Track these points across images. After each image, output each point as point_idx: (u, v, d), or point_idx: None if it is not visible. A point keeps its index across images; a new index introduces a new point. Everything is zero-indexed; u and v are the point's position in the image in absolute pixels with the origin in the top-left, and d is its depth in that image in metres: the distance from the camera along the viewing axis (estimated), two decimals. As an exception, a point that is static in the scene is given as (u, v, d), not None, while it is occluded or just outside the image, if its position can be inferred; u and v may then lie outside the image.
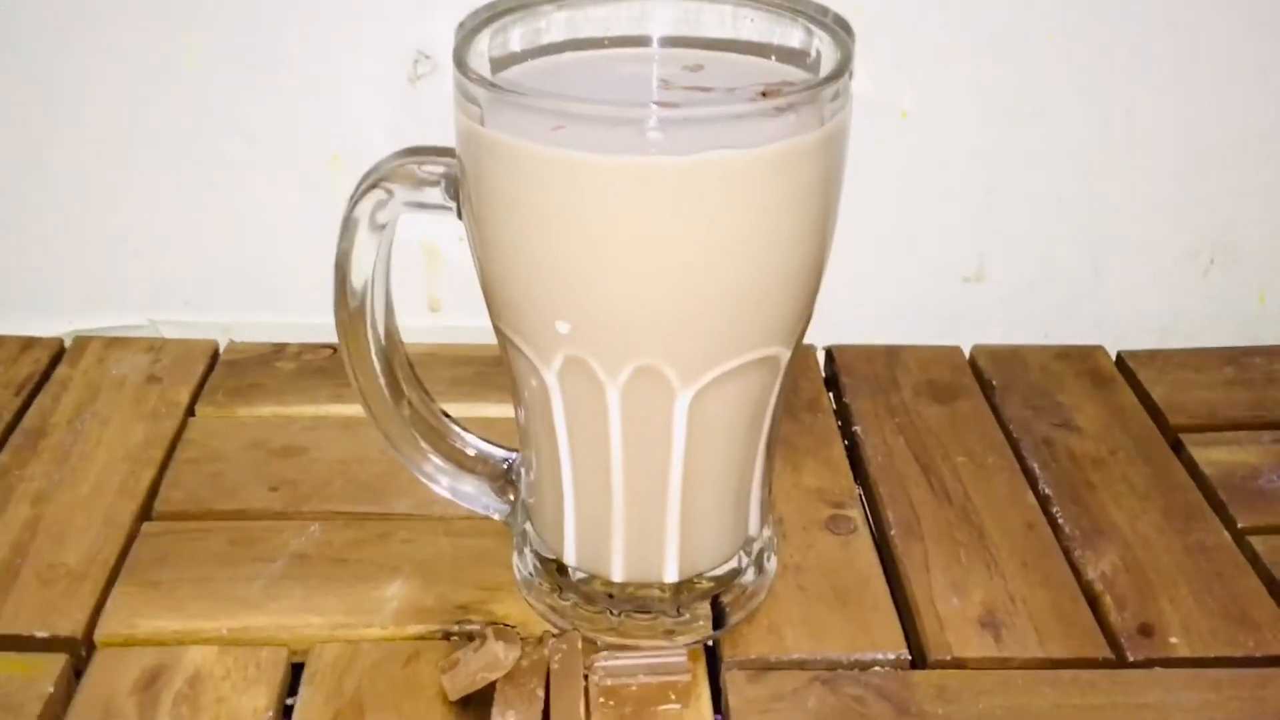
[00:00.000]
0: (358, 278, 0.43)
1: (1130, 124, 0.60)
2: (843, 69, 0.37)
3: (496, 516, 0.47)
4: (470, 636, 0.44)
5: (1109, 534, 0.50)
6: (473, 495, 0.47)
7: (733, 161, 0.34)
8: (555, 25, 0.42)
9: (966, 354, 0.62)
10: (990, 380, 0.60)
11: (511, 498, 0.47)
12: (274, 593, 0.47)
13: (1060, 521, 0.51)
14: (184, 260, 0.62)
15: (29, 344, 0.61)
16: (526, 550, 0.46)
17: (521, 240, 0.37)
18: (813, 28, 0.40)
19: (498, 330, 0.41)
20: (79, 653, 0.44)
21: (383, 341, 0.45)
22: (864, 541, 0.50)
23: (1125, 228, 0.63)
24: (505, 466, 0.47)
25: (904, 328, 0.63)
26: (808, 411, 0.57)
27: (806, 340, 0.63)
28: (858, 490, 0.53)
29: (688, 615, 0.44)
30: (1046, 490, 0.53)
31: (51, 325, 0.62)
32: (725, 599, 0.45)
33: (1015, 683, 0.44)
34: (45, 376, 0.58)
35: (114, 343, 0.61)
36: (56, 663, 0.43)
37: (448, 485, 0.47)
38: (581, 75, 0.41)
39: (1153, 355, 0.62)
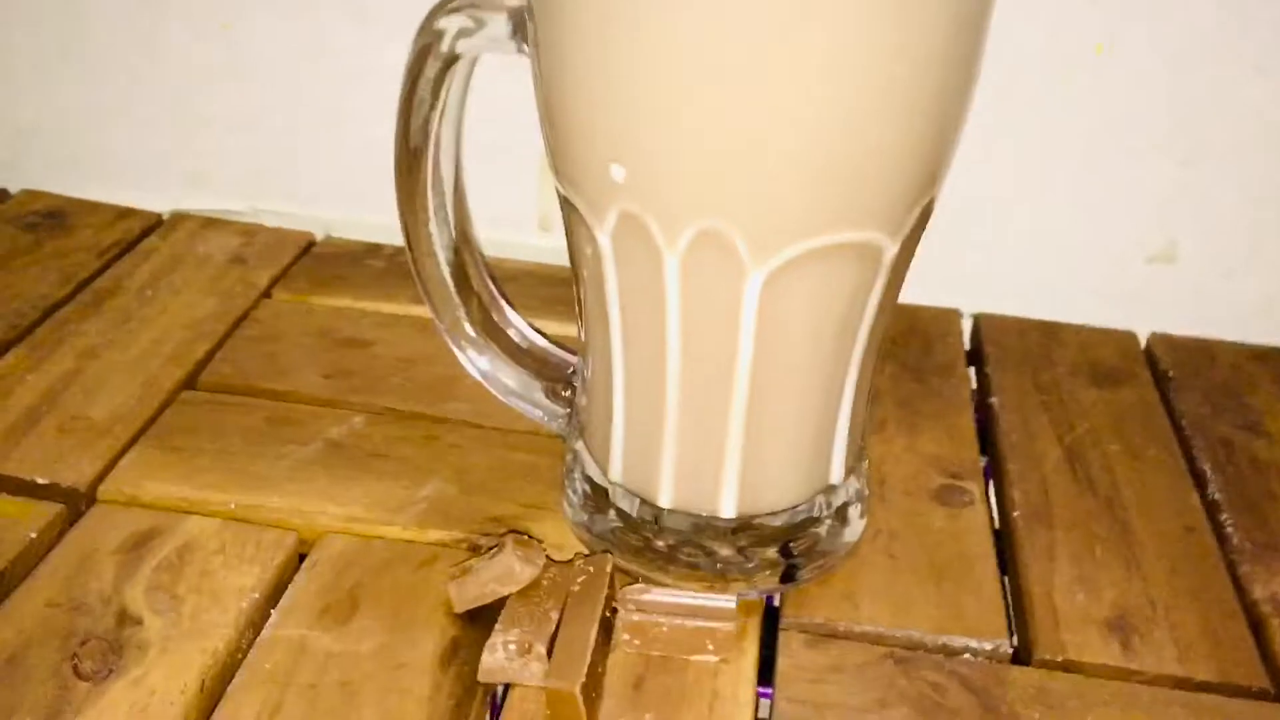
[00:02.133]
0: (421, 115, 0.38)
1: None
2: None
3: (545, 421, 0.41)
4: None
5: (1288, 553, 0.41)
6: (516, 391, 0.41)
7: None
8: None
9: (1142, 342, 0.53)
10: (1166, 372, 0.51)
11: (568, 410, 0.41)
12: (296, 476, 0.42)
13: (1228, 531, 0.42)
14: (288, 150, 0.59)
15: (126, 214, 0.58)
16: (577, 471, 0.40)
17: (578, 59, 0.31)
18: None
19: (560, 197, 0.35)
20: (78, 506, 0.40)
21: (447, 199, 0.40)
22: (978, 518, 0.42)
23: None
24: (567, 371, 0.41)
25: (1068, 305, 0.55)
26: (939, 375, 0.50)
27: (950, 303, 0.57)
28: (982, 463, 0.45)
29: (750, 561, 0.38)
30: (1216, 495, 0.44)
31: (155, 201, 0.60)
32: (796, 549, 0.38)
33: (1139, 698, 0.35)
34: (133, 245, 0.56)
35: (210, 223, 0.58)
36: (51, 511, 0.39)
37: (487, 370, 0.41)
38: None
39: (1373, 368, 0.52)
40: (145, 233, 0.57)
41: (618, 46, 0.30)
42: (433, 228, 0.40)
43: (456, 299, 0.40)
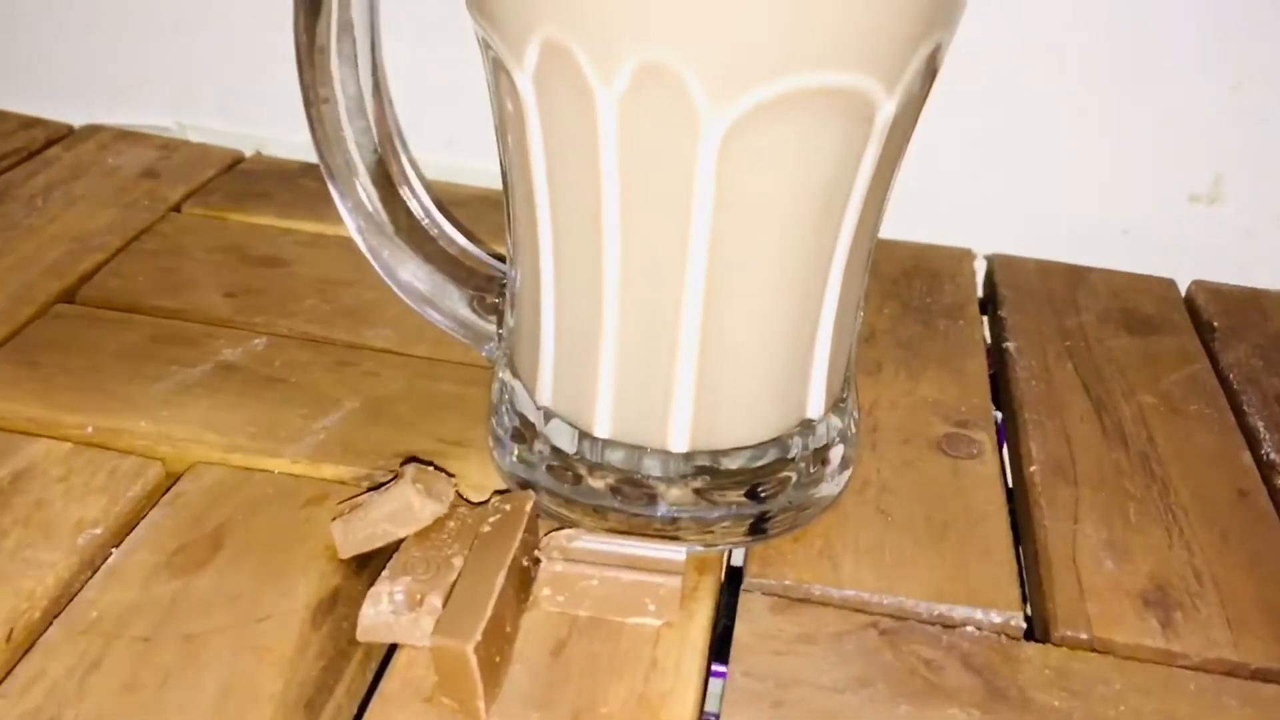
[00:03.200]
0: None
1: None
2: None
3: (466, 339, 0.34)
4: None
5: (1361, 522, 0.34)
6: (430, 298, 0.34)
7: None
8: None
9: (1182, 290, 0.46)
10: (1210, 321, 0.44)
11: (498, 330, 0.34)
12: (174, 399, 0.35)
13: (1288, 495, 0.35)
14: (220, 59, 0.52)
15: (32, 123, 0.52)
16: (504, 403, 0.33)
17: None
18: None
19: (478, 41, 0.29)
20: (-94, 424, 0.33)
21: (359, 79, 0.33)
22: (988, 470, 0.35)
23: None
24: (499, 284, 0.35)
25: (1096, 249, 0.48)
26: (946, 316, 0.43)
27: (961, 242, 0.50)
28: (995, 414, 0.38)
29: (708, 507, 0.31)
30: (1272, 455, 0.37)
31: (71, 113, 0.53)
32: (765, 495, 0.31)
33: (1183, 686, 0.28)
34: (35, 155, 0.49)
35: (126, 135, 0.51)
36: (-128, 428, 0.33)
37: (409, 278, 0.34)
38: None
39: None
40: (51, 143, 0.50)
41: None
42: (337, 89, 0.33)
43: (360, 165, 0.34)
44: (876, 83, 0.26)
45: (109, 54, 0.53)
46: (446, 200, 0.49)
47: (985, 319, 0.45)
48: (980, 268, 0.47)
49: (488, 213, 0.47)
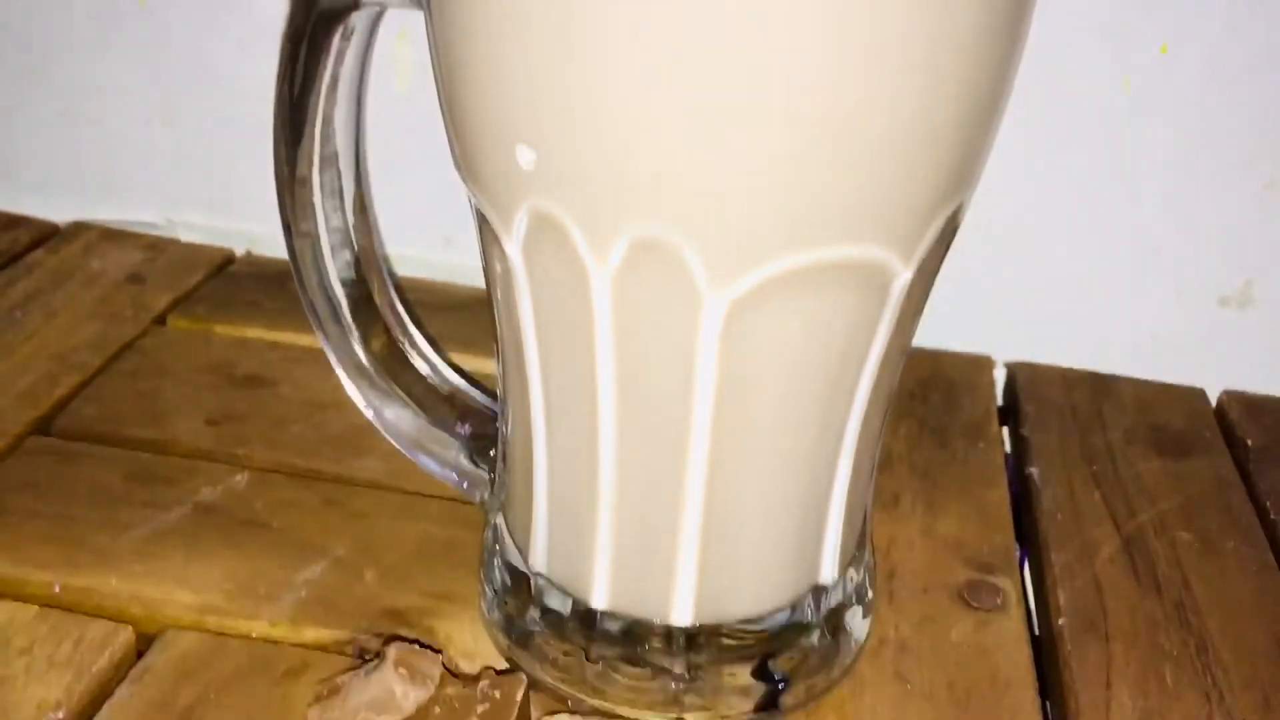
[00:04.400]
0: (305, 98, 0.29)
1: None
2: None
3: (460, 486, 0.32)
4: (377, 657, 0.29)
5: None
6: (427, 448, 0.32)
7: None
8: None
9: (1213, 400, 0.44)
10: (1243, 438, 0.41)
11: (490, 475, 0.32)
12: (147, 551, 0.33)
13: (1335, 649, 0.33)
14: (211, 155, 0.50)
15: (16, 222, 0.50)
16: (496, 555, 0.31)
17: (479, 12, 0.22)
18: None
19: (469, 200, 0.27)
20: None
21: (345, 211, 0.31)
22: (1014, 625, 0.33)
23: None
24: (494, 423, 0.33)
25: (1122, 355, 0.45)
26: (965, 437, 0.40)
27: (979, 349, 0.48)
28: (1017, 552, 0.36)
29: (714, 682, 0.28)
30: (1316, 600, 0.35)
31: (57, 209, 0.51)
32: (777, 669, 0.29)
33: None
34: (18, 259, 0.47)
35: (112, 235, 0.50)
36: None
37: (398, 426, 0.32)
38: None
39: None
40: (35, 245, 0.49)
41: (523, -18, 0.21)
42: (319, 224, 0.31)
43: (349, 319, 0.32)
44: (892, 254, 0.24)
45: (98, 149, 0.51)
46: (443, 303, 0.47)
47: (1005, 430, 0.43)
48: (1000, 376, 0.45)
49: (487, 316, 0.45)
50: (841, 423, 0.26)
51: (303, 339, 0.43)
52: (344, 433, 0.38)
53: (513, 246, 0.24)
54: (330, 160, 0.31)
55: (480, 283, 0.48)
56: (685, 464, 0.26)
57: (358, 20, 0.28)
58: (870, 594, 0.31)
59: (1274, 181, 0.43)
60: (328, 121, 0.30)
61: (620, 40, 0.21)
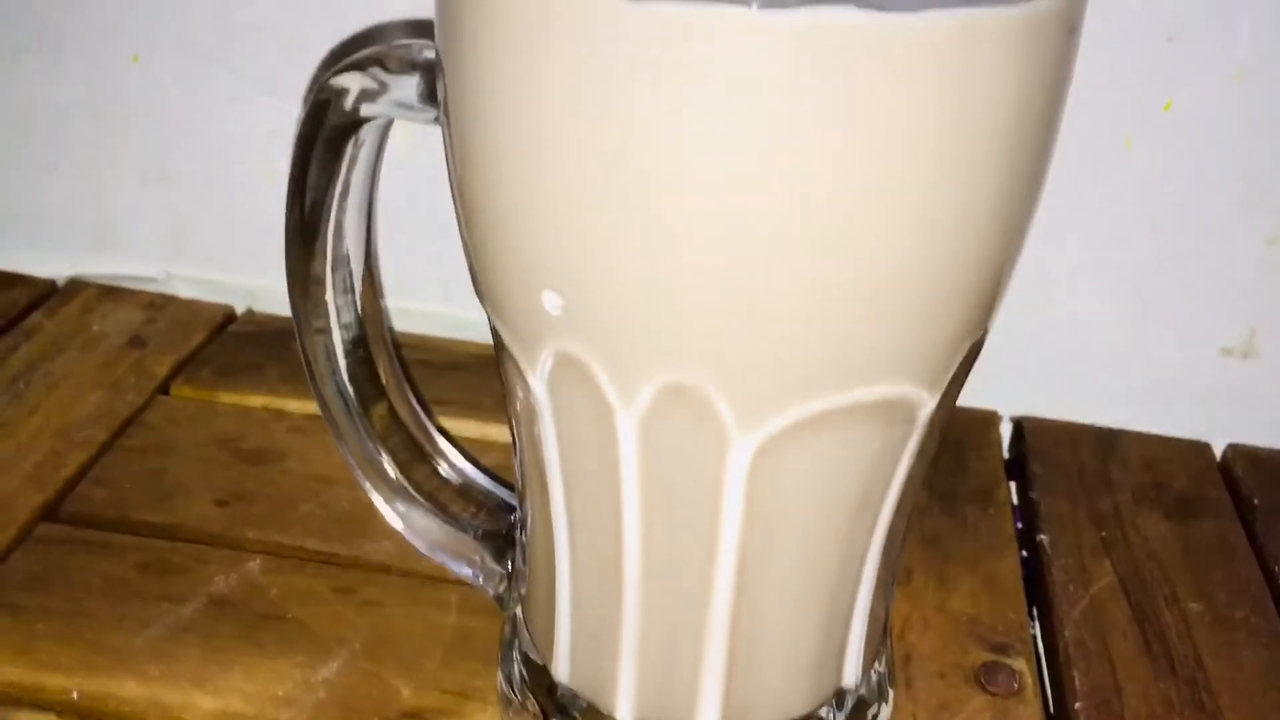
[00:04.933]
0: (318, 206, 0.29)
1: None
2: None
3: (481, 583, 0.32)
4: (401, 766, 0.29)
5: None
6: (447, 547, 0.32)
7: (867, 31, 0.19)
8: None
9: (1218, 454, 0.44)
10: (1250, 497, 0.42)
11: (509, 565, 0.32)
12: (163, 650, 0.33)
13: (1346, 728, 0.33)
14: (208, 208, 0.50)
15: (11, 281, 0.49)
16: (515, 649, 0.31)
17: (499, 140, 0.22)
18: None
19: (489, 321, 0.27)
20: (-124, 691, 0.31)
21: (357, 307, 0.31)
22: (1030, 712, 0.33)
23: None
24: (510, 517, 0.33)
25: (1129, 407, 0.46)
26: (975, 503, 0.41)
27: (987, 403, 0.48)
28: (1032, 629, 0.36)
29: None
30: (1326, 674, 0.35)
31: (53, 264, 0.51)
32: (797, 772, 0.29)
33: None
34: (16, 322, 0.47)
35: (110, 293, 0.49)
36: None
37: (419, 529, 0.32)
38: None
39: None
40: (33, 305, 0.48)
41: (553, 126, 0.21)
42: (335, 336, 0.31)
43: (364, 431, 0.32)
44: (919, 389, 0.24)
45: (94, 204, 0.51)
46: (445, 362, 0.47)
47: (1013, 485, 0.43)
48: (1006, 430, 0.45)
49: (489, 377, 0.45)
50: (865, 542, 0.26)
51: (307, 406, 0.43)
52: (353, 510, 0.38)
53: (536, 381, 0.24)
54: (342, 261, 0.31)
55: (481, 338, 0.48)
56: (711, 588, 0.26)
57: (368, 131, 0.28)
58: (891, 689, 0.31)
59: (1277, 237, 0.44)
60: (339, 226, 0.30)
61: (656, 195, 0.21)
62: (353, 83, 0.27)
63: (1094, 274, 0.45)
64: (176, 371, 0.45)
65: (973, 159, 0.21)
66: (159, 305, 0.49)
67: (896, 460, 0.25)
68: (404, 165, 0.44)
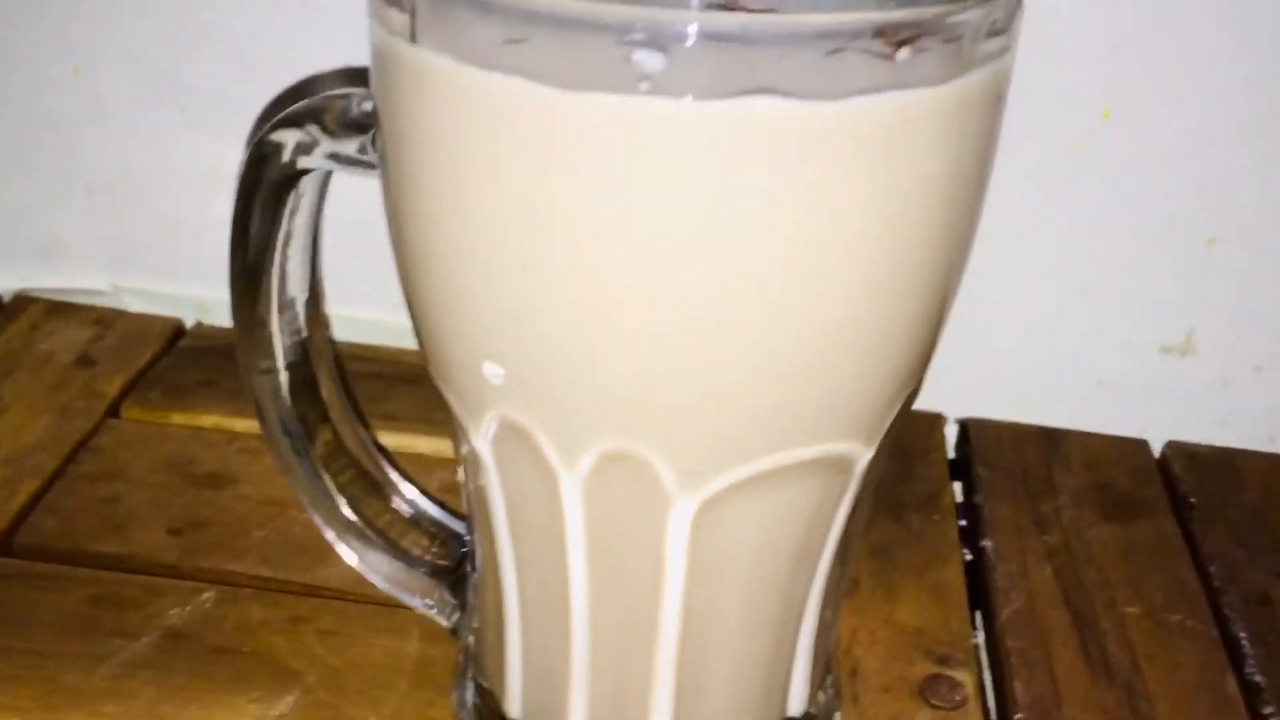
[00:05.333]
0: (261, 254, 0.29)
1: None
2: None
3: (436, 617, 0.33)
4: (358, 804, 0.30)
5: (1351, 762, 0.33)
6: (402, 582, 0.32)
7: (794, 120, 0.19)
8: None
9: (1156, 452, 0.45)
10: (1187, 496, 0.43)
11: (461, 597, 0.33)
12: (118, 688, 0.33)
13: (1276, 731, 0.34)
14: (155, 217, 0.49)
15: (-43, 299, 0.49)
16: (469, 678, 0.32)
17: (440, 218, 0.22)
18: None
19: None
20: None
21: (304, 348, 0.31)
22: (974, 724, 0.34)
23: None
24: (462, 547, 0.33)
25: (1070, 405, 0.47)
26: (920, 511, 0.41)
27: (933, 407, 0.49)
28: (975, 638, 0.37)
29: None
30: (1256, 677, 0.36)
31: (1, 279, 0.50)
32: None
33: None
34: (-39, 342, 0.47)
35: (58, 309, 0.49)
36: None
37: (373, 565, 0.32)
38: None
39: None
40: (-21, 323, 0.48)
41: (485, 208, 0.21)
42: (282, 377, 0.31)
43: (314, 470, 0.32)
44: (857, 443, 0.24)
45: (39, 216, 0.50)
46: (395, 374, 0.47)
47: (958, 485, 0.44)
48: (951, 432, 0.46)
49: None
50: (807, 587, 0.27)
51: (257, 426, 0.43)
52: (306, 535, 0.38)
53: (481, 443, 0.25)
54: (288, 305, 0.31)
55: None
56: (657, 632, 0.26)
57: (308, 182, 0.28)
58: (838, 709, 0.32)
59: (1216, 239, 0.44)
60: (284, 272, 0.30)
61: (590, 276, 0.21)
62: (288, 138, 0.27)
63: (1039, 276, 0.46)
64: (126, 391, 0.45)
65: (905, 230, 0.21)
66: (107, 321, 0.48)
67: (835, 509, 0.26)
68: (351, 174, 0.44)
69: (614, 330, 0.21)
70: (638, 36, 0.19)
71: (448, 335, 0.24)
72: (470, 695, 0.32)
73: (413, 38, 0.21)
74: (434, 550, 0.33)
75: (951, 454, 0.45)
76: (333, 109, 0.27)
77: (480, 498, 0.27)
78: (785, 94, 0.19)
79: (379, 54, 0.23)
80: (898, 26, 0.19)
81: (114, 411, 0.44)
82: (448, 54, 0.20)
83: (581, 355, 0.22)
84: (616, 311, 0.21)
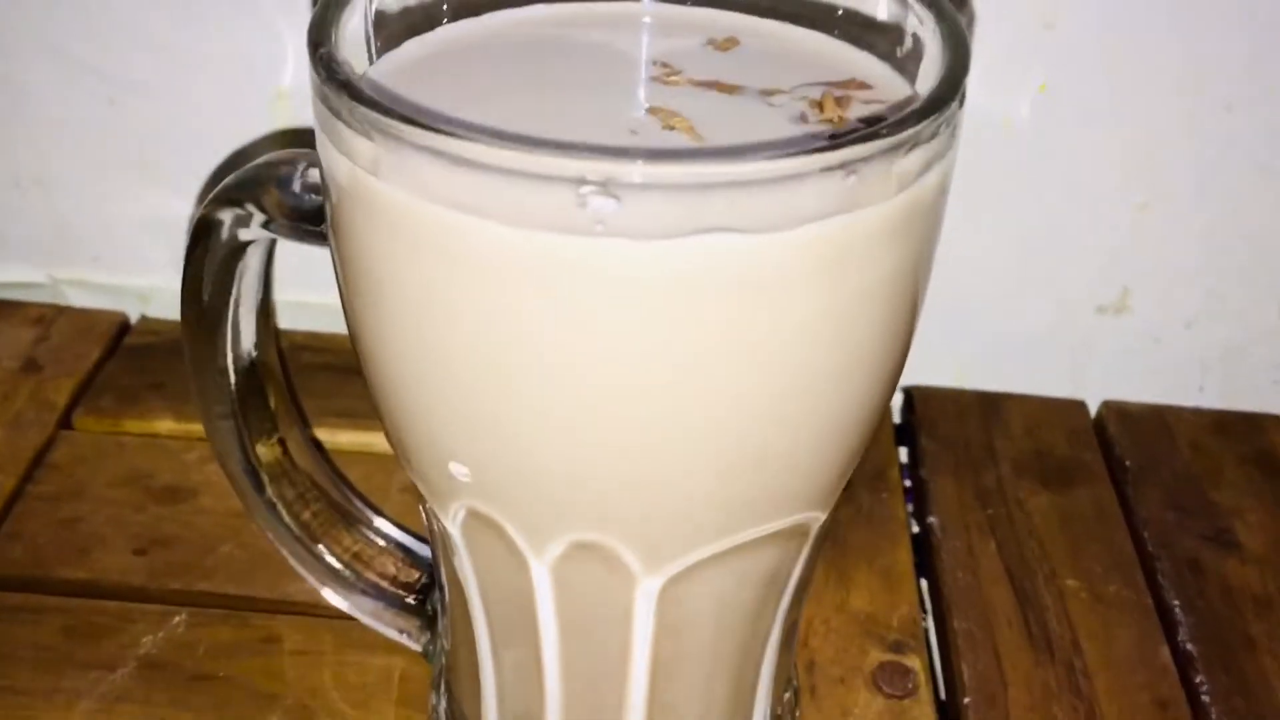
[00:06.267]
0: (215, 317, 0.29)
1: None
2: (951, 90, 0.21)
3: (410, 644, 0.34)
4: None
5: (1275, 727, 0.36)
6: (382, 617, 0.33)
7: (746, 253, 0.20)
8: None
9: (1093, 410, 0.47)
10: (1123, 459, 0.45)
11: (433, 621, 0.34)
12: (101, 723, 0.34)
13: (1205, 699, 0.37)
14: (90, 208, 0.49)
15: (-109, 302, 0.48)
16: (443, 697, 0.33)
17: (399, 334, 0.23)
18: (911, 4, 0.25)
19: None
20: None
21: (263, 391, 0.32)
22: (925, 711, 0.36)
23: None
24: (427, 568, 0.34)
25: (1013, 366, 0.48)
26: (869, 488, 0.43)
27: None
28: (924, 623, 0.39)
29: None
30: (1189, 645, 0.38)
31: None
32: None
33: None
34: (-98, 350, 0.46)
35: (-1, 308, 0.48)
36: None
37: (355, 604, 0.33)
38: (537, 50, 0.26)
39: (1347, 436, 0.46)
40: (-83, 327, 0.47)
41: (447, 328, 0.22)
42: (241, 420, 0.32)
43: (277, 506, 0.32)
44: (814, 511, 0.25)
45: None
46: (347, 364, 0.46)
47: (903, 451, 0.45)
48: (896, 399, 0.47)
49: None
50: (768, 628, 0.28)
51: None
52: (270, 550, 0.39)
53: (450, 525, 0.25)
54: (242, 355, 0.31)
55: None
56: (627, 683, 0.27)
57: (253, 249, 0.28)
58: (797, 708, 0.34)
59: (1147, 204, 0.45)
60: (236, 328, 0.30)
61: (557, 392, 0.21)
62: (227, 215, 0.27)
63: (976, 240, 0.47)
64: (77, 399, 0.44)
65: (854, 331, 0.22)
66: (49, 319, 0.48)
67: (793, 565, 0.27)
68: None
69: (577, 440, 0.22)
70: (590, 187, 0.19)
71: (412, 434, 0.24)
72: (444, 711, 0.33)
73: (375, 172, 0.21)
74: (401, 576, 0.34)
75: (897, 418, 0.47)
76: (268, 182, 0.26)
77: (450, 568, 0.27)
78: (738, 230, 0.19)
79: (338, 179, 0.23)
80: (847, 161, 0.19)
81: (66, 422, 0.44)
82: (408, 190, 0.20)
83: (546, 461, 0.22)
84: (580, 426, 0.22)
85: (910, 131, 0.20)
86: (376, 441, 0.43)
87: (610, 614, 0.25)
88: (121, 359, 0.47)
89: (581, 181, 0.19)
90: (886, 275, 0.22)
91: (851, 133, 0.20)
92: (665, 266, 0.20)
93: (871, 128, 0.20)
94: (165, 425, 0.44)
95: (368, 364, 0.24)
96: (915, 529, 0.42)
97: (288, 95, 0.46)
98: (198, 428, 0.43)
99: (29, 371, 0.45)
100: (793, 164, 0.19)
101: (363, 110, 0.20)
